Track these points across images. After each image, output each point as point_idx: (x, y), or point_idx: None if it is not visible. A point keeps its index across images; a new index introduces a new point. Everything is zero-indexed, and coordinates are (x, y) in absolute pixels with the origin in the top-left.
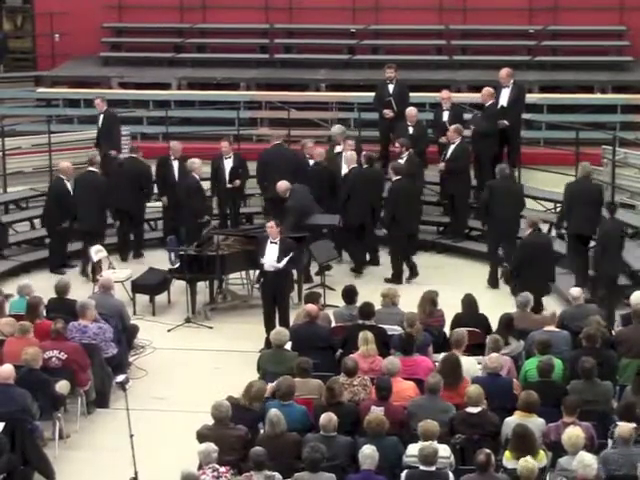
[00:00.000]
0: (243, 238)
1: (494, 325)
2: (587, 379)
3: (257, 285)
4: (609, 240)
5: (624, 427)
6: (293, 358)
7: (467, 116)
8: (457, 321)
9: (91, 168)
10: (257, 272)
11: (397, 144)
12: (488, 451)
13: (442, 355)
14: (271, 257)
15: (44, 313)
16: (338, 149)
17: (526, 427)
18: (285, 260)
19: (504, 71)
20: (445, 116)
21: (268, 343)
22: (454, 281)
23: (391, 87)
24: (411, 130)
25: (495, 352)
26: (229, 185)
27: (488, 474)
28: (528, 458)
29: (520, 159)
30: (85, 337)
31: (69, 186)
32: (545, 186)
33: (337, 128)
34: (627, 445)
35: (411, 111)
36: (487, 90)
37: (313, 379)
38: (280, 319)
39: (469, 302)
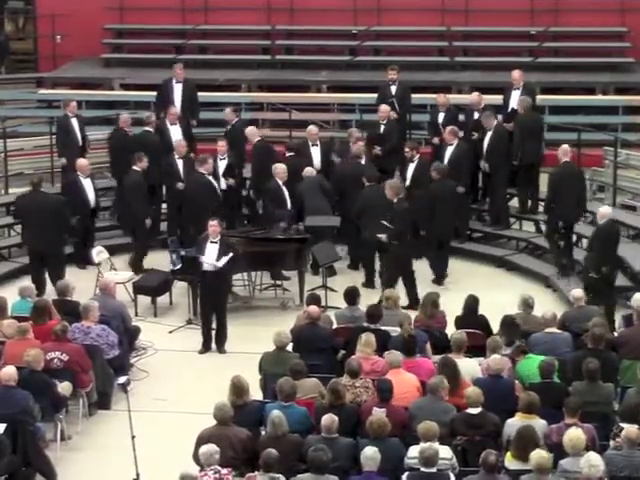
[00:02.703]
0: (245, 239)
1: (494, 326)
2: (591, 380)
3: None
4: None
5: (631, 429)
6: (294, 359)
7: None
8: (458, 324)
9: (146, 128)
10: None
11: (407, 148)
12: (496, 452)
13: (440, 357)
14: (211, 256)
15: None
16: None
17: (530, 428)
18: (225, 259)
19: (517, 73)
20: (440, 117)
21: (206, 346)
22: (456, 283)
23: (393, 88)
24: (382, 128)
25: (495, 353)
26: (224, 187)
27: (492, 475)
28: (540, 450)
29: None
30: (88, 338)
31: (83, 182)
32: (546, 188)
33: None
34: (633, 447)
35: (383, 107)
36: (477, 94)
37: (308, 379)
38: (217, 321)
39: (470, 303)
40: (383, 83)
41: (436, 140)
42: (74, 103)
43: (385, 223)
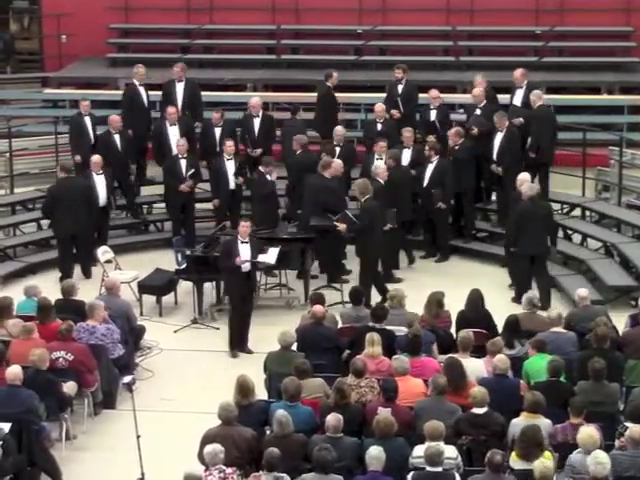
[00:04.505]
0: None
1: (497, 322)
2: (596, 380)
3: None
4: None
5: (635, 429)
6: (299, 359)
7: (454, 116)
8: (461, 318)
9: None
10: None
11: (426, 148)
12: (502, 452)
13: (446, 357)
14: (248, 257)
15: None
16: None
17: (535, 427)
18: (274, 254)
19: (518, 71)
20: (432, 115)
21: (232, 346)
22: (461, 282)
23: (400, 87)
24: (379, 127)
25: (492, 355)
26: (232, 186)
27: (497, 475)
28: (543, 459)
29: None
30: (93, 338)
31: (95, 178)
32: (551, 187)
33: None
34: (637, 447)
35: (377, 106)
36: (479, 90)
37: (314, 378)
38: (246, 320)
39: (474, 298)
40: (390, 82)
41: (431, 138)
42: (87, 102)
43: (349, 214)
